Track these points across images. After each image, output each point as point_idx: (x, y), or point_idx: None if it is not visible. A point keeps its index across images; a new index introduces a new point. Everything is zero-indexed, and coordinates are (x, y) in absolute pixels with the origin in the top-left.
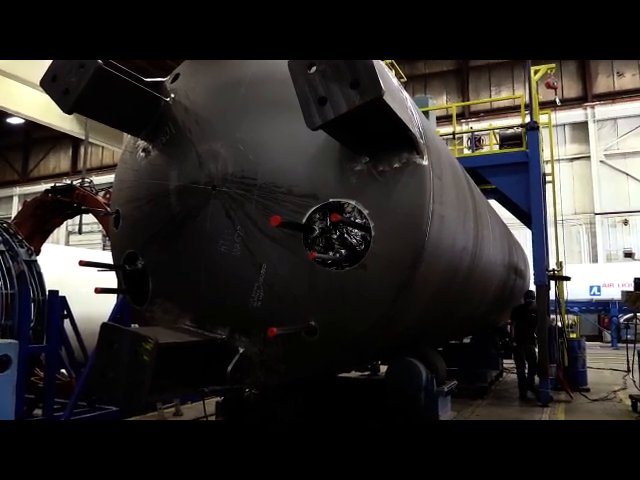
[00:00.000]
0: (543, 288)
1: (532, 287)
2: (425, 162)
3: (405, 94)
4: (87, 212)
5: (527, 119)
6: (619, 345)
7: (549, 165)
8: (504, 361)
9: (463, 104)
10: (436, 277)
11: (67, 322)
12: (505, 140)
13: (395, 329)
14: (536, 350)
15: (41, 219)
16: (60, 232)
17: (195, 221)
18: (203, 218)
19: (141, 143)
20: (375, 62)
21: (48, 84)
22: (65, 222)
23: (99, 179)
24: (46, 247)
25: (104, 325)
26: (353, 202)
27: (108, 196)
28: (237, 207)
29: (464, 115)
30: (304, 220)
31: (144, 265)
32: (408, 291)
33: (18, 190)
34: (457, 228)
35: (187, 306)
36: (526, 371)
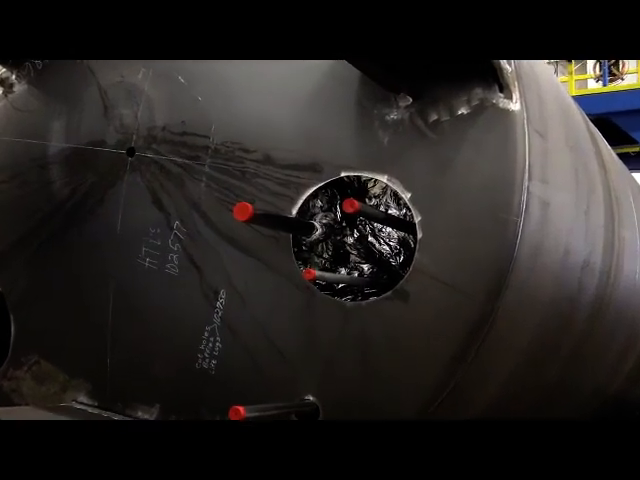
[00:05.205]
0: None
1: None
2: (515, 106)
3: None
4: None
5: None
6: None
7: None
8: None
9: None
10: (533, 316)
11: None
12: None
13: (459, 410)
14: None
15: None
16: None
17: (97, 213)
18: (112, 207)
19: None
20: None
21: None
22: None
23: None
24: None
25: None
26: (384, 178)
27: None
28: (173, 187)
29: None
30: (294, 211)
31: (1, 293)
32: (484, 341)
33: None
34: (574, 226)
35: (82, 368)
36: None
